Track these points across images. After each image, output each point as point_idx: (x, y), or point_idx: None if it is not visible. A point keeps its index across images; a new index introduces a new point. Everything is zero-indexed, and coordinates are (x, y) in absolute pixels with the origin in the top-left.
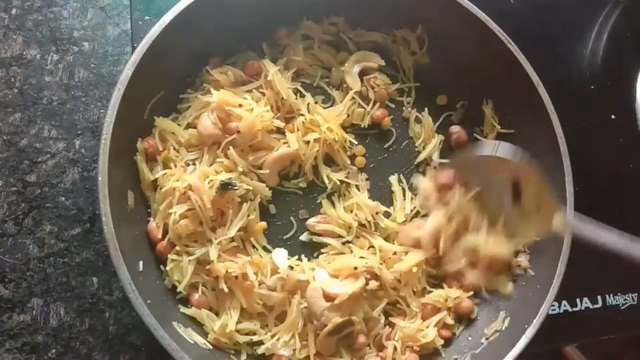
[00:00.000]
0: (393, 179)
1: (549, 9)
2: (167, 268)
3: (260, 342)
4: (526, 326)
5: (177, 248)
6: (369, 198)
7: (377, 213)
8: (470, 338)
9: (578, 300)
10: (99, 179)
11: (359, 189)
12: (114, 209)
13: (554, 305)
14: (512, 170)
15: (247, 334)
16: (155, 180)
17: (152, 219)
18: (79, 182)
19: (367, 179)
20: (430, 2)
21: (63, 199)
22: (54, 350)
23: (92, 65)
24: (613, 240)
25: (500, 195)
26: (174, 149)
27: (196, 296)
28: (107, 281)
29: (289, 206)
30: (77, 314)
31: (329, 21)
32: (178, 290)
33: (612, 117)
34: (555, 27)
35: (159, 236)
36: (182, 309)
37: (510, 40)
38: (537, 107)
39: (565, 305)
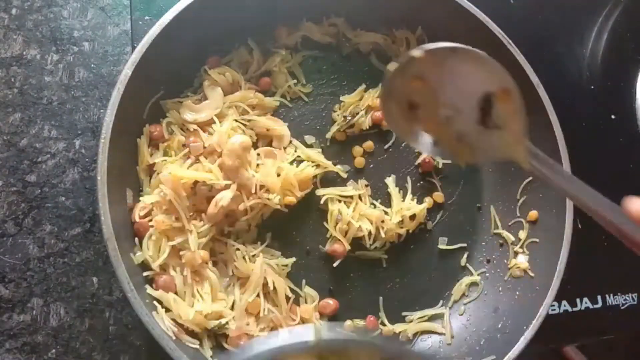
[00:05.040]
0: (389, 180)
1: (549, 9)
2: (144, 242)
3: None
4: (525, 327)
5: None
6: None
7: (382, 221)
8: (468, 338)
9: (578, 300)
10: (98, 178)
11: (360, 198)
12: (113, 208)
13: (553, 305)
14: (488, 80)
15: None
16: (152, 165)
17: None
18: (79, 182)
19: (367, 185)
20: (430, 3)
21: (63, 199)
22: (54, 350)
23: (92, 65)
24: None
25: (468, 105)
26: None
27: (163, 277)
28: (107, 281)
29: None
30: (77, 314)
31: (328, 22)
32: (152, 267)
33: (612, 117)
34: (555, 27)
35: (142, 214)
36: (149, 290)
37: (510, 40)
38: (537, 107)
39: (565, 305)
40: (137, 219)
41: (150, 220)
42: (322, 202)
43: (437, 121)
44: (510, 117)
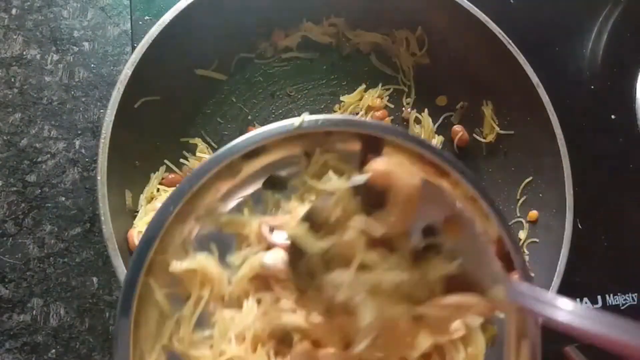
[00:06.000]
0: None
1: (549, 9)
2: None
3: None
4: None
5: None
6: None
7: None
8: None
9: (578, 300)
10: (98, 178)
11: None
12: (113, 208)
13: None
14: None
15: None
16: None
17: (134, 226)
18: (79, 182)
19: None
20: (430, 3)
21: (63, 199)
22: (53, 350)
23: (92, 65)
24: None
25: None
26: None
27: None
28: (107, 281)
29: None
30: (77, 314)
31: (328, 22)
32: None
33: (612, 117)
34: (555, 27)
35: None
36: None
37: (510, 41)
38: (537, 107)
39: None
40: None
41: None
42: None
43: None
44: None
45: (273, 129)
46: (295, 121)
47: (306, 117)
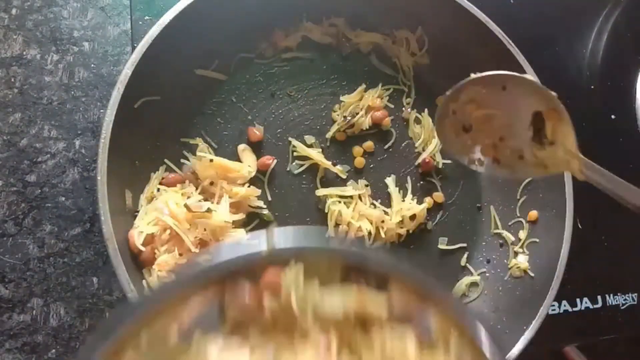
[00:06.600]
0: (389, 180)
1: (549, 9)
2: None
3: None
4: (525, 327)
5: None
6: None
7: (382, 222)
8: None
9: (578, 300)
10: (98, 178)
11: (360, 198)
12: (113, 208)
13: (553, 305)
14: (536, 101)
15: None
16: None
17: (133, 227)
18: (79, 182)
19: (367, 185)
20: (431, 3)
21: (63, 199)
22: (54, 350)
23: (92, 65)
24: (623, 189)
25: (520, 126)
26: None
27: None
28: (107, 281)
29: None
30: (77, 314)
31: (328, 22)
32: None
33: (612, 117)
34: (555, 27)
35: (140, 243)
36: None
37: (510, 41)
38: None
39: (565, 305)
40: (142, 248)
41: (153, 251)
42: (320, 201)
43: (491, 142)
44: (561, 134)
45: (235, 260)
46: (262, 247)
47: (277, 241)
